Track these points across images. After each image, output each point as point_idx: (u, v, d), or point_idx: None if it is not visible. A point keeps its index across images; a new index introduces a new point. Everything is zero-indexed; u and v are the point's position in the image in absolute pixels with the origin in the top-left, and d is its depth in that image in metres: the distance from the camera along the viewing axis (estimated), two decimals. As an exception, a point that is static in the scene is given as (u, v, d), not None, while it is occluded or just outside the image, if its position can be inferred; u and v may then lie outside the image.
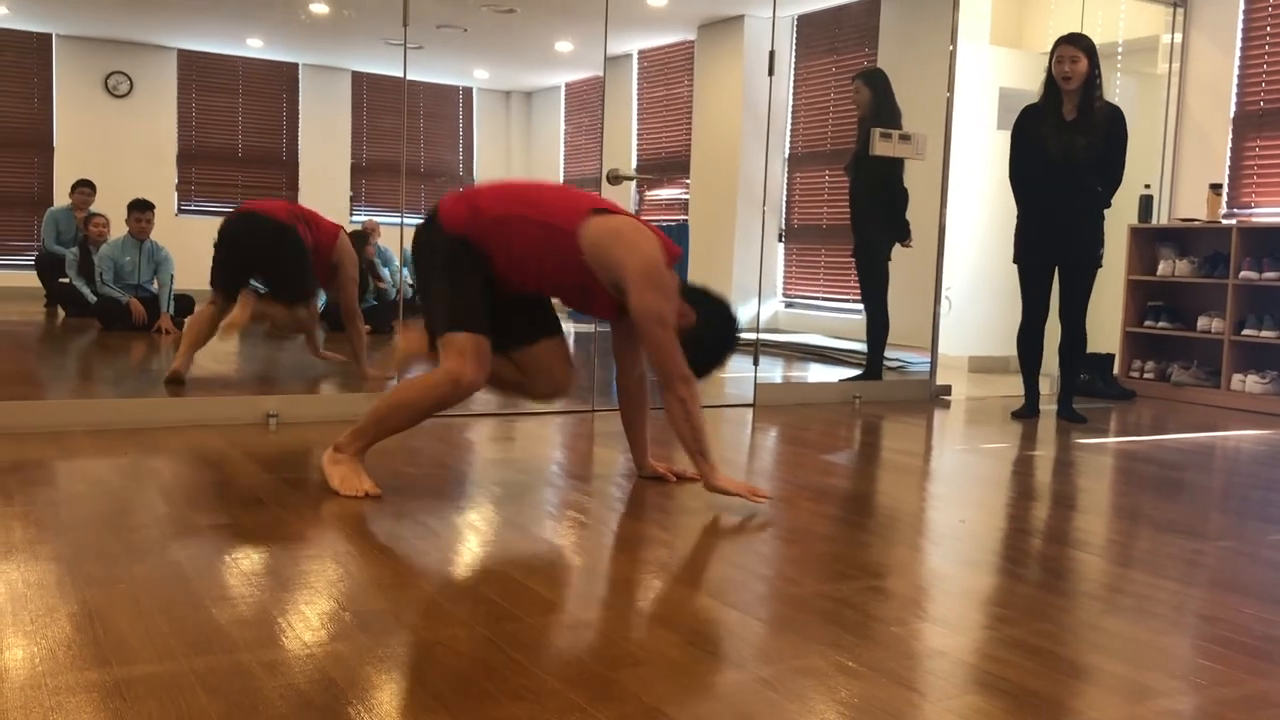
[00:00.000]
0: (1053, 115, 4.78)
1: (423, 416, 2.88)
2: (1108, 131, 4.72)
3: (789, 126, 8.39)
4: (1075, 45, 4.71)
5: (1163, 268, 6.05)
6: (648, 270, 2.82)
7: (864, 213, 5.62)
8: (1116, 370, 6.18)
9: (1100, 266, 4.86)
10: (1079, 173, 4.73)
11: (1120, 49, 6.77)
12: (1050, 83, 4.80)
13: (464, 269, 2.87)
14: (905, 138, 5.43)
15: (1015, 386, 5.64)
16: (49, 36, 9.62)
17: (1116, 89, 6.66)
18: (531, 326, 3.07)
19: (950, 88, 5.52)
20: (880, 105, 5.49)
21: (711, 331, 3.02)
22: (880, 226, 5.56)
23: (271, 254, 4.67)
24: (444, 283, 2.87)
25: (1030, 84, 6.54)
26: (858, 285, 5.68)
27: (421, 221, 3.01)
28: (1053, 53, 4.78)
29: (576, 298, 2.99)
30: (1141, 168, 6.28)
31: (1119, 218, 6.26)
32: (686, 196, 9.27)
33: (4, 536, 2.36)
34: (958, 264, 6.68)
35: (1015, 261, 4.96)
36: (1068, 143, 4.72)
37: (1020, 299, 4.98)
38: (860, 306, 5.73)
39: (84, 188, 8.27)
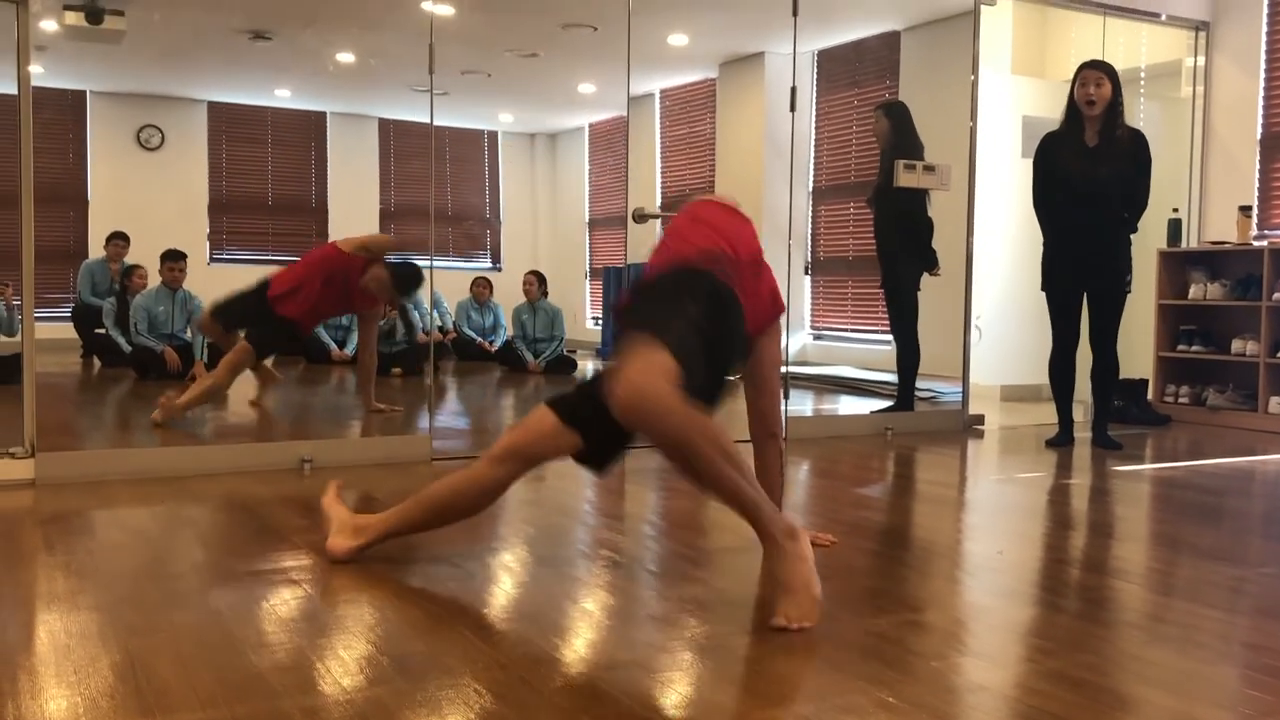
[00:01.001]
0: (1075, 141, 4.77)
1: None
2: (1132, 156, 4.71)
3: (812, 160, 8.42)
4: (1098, 69, 4.71)
5: (1194, 291, 6.00)
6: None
7: (889, 244, 5.62)
8: (1150, 395, 6.12)
9: (1129, 292, 4.83)
10: (1103, 198, 4.71)
11: (1143, 74, 6.76)
12: (1072, 108, 4.79)
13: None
14: (929, 168, 5.43)
15: (1049, 415, 5.59)
16: (83, 93, 9.83)
17: (1140, 114, 6.64)
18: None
19: (973, 117, 5.53)
20: (900, 137, 5.51)
21: None
22: (907, 257, 5.56)
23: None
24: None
25: (1053, 112, 6.53)
26: (886, 316, 5.67)
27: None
28: (1075, 78, 4.78)
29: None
30: (1169, 192, 6.25)
31: (1148, 242, 6.22)
32: (712, 232, 9.29)
33: (46, 586, 2.39)
34: (987, 293, 6.65)
35: (1043, 289, 4.94)
36: (1091, 169, 4.71)
37: (1050, 326, 4.95)
38: (889, 337, 5.72)
39: (118, 240, 8.41)
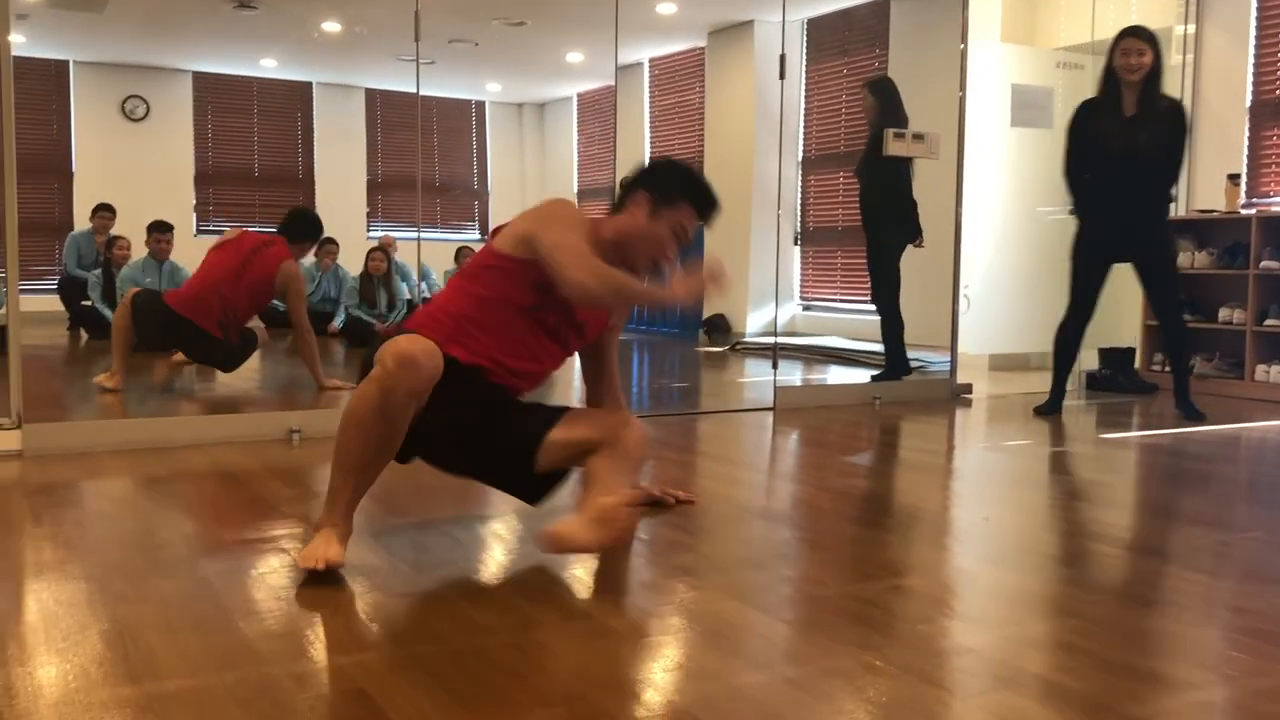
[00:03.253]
0: (1113, 110, 4.70)
1: None
2: (1171, 124, 4.66)
3: (801, 130, 8.39)
4: (1140, 38, 4.63)
5: (1182, 260, 6.01)
6: (541, 217, 2.50)
7: (874, 214, 5.64)
8: (1138, 364, 6.15)
9: (1176, 257, 4.75)
10: (1143, 167, 4.65)
11: (1133, 42, 6.73)
12: (1110, 76, 4.72)
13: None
14: (919, 137, 5.42)
15: (1037, 384, 5.61)
16: (66, 63, 9.73)
17: (1130, 82, 6.63)
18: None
19: (962, 86, 5.51)
20: (887, 113, 5.54)
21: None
22: (890, 228, 5.57)
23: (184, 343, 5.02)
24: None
25: (1043, 80, 6.53)
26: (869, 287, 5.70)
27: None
28: (1115, 46, 4.68)
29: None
30: (1157, 160, 6.24)
31: (1136, 211, 6.23)
32: (701, 203, 9.27)
33: (34, 556, 2.39)
34: (975, 262, 6.65)
35: (1073, 258, 4.89)
36: (1129, 138, 4.64)
37: (1066, 294, 4.89)
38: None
39: (104, 212, 8.34)
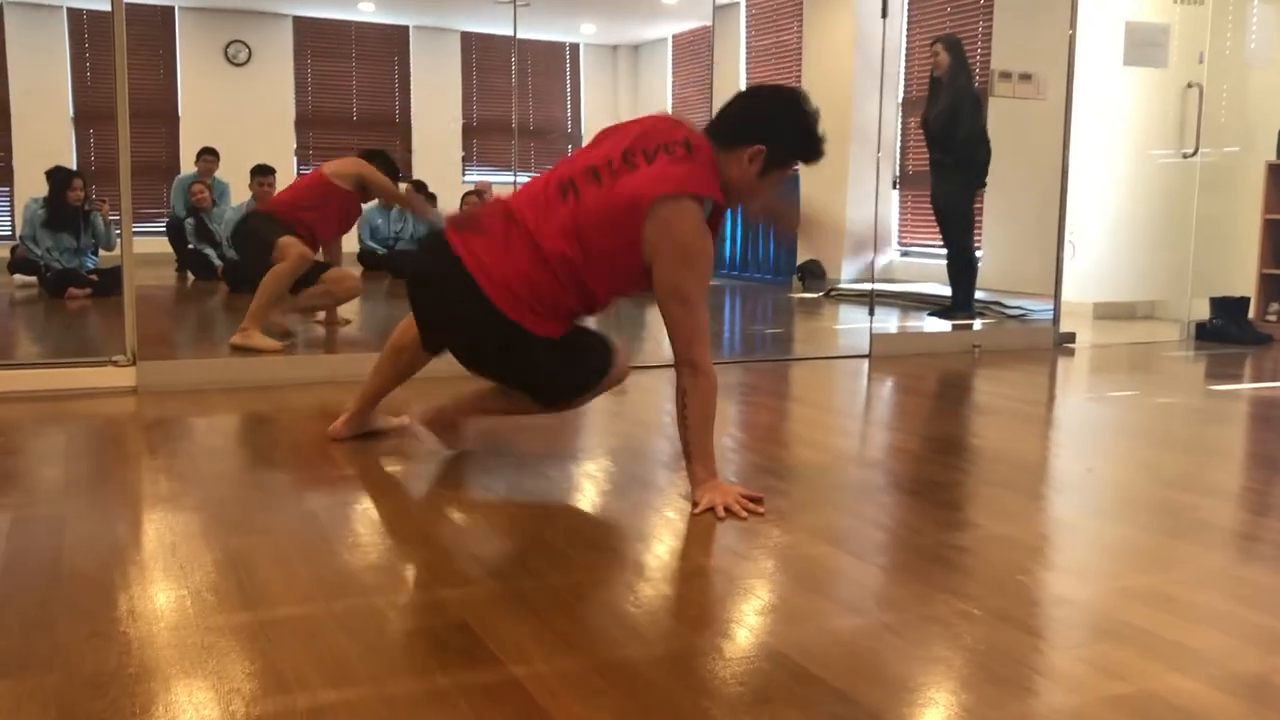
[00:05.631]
0: None
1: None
2: None
3: (903, 69, 8.18)
4: None
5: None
6: (686, 252, 2.46)
7: (949, 158, 5.78)
8: (1252, 314, 5.92)
9: None
10: None
11: (1257, -25, 6.40)
12: None
13: None
14: (1025, 78, 5.26)
15: (1143, 333, 5.45)
16: (171, 9, 9.93)
17: (1254, 18, 6.31)
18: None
19: (1073, 24, 5.30)
20: (960, 70, 5.72)
21: None
22: (967, 171, 5.75)
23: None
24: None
25: (1159, 15, 6.25)
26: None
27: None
28: None
29: None
30: (1279, 101, 5.96)
31: (1257, 154, 5.96)
32: (797, 146, 9.13)
33: (151, 488, 2.49)
34: (1082, 207, 6.44)
35: None
36: None
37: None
38: (978, 253, 5.74)
39: (208, 155, 8.55)
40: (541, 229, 2.38)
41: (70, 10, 9.69)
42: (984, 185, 5.82)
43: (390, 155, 5.24)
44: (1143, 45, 4.80)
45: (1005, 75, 5.22)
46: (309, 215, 4.71)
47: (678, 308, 2.36)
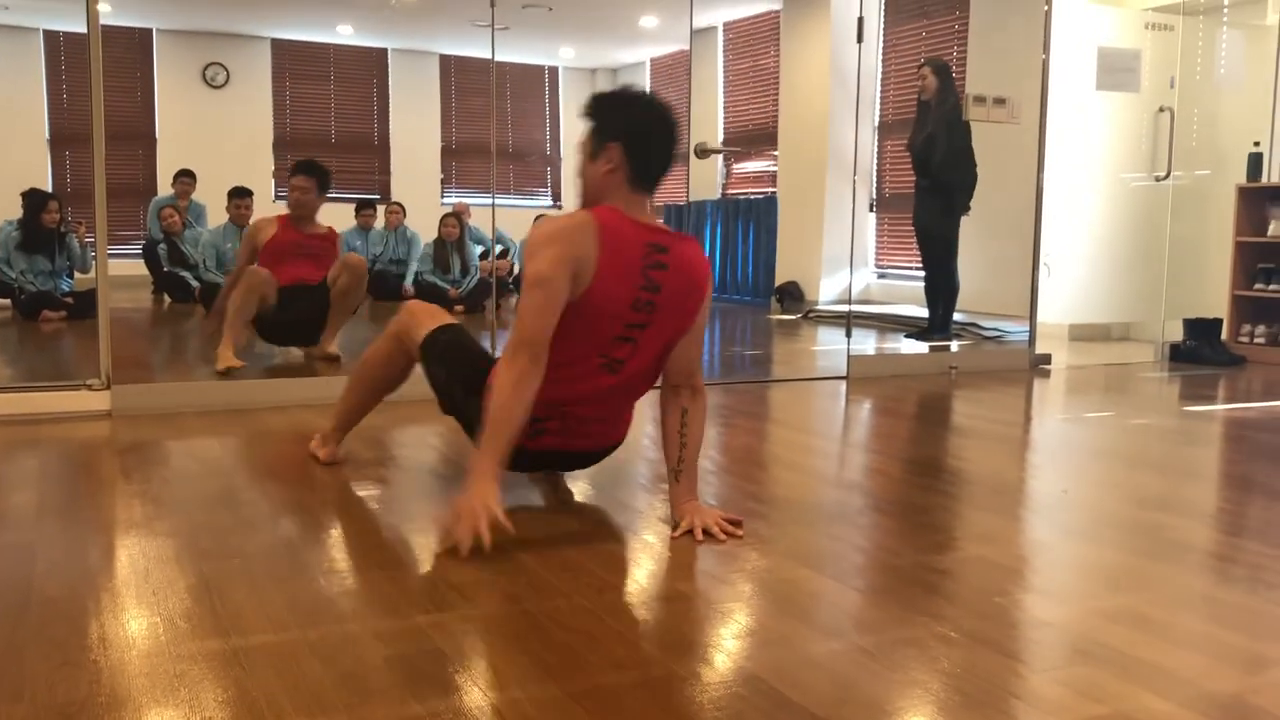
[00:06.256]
0: None
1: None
2: None
3: (879, 94, 8.25)
4: None
5: (1274, 228, 5.82)
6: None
7: (936, 182, 5.85)
8: (1225, 335, 5.97)
9: None
10: None
11: (1227, 2, 6.50)
12: None
13: None
14: (1000, 101, 5.31)
15: (1118, 354, 5.49)
16: (150, 31, 9.92)
17: (1223, 43, 6.40)
18: None
19: (1046, 49, 5.37)
20: (946, 93, 5.80)
21: None
22: (952, 195, 5.82)
23: None
24: None
25: (1130, 41, 6.33)
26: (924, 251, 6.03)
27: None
28: None
29: None
30: (1249, 124, 6.04)
31: (1227, 177, 6.03)
32: (775, 169, 9.19)
33: (125, 513, 2.46)
34: (1057, 229, 6.50)
35: None
36: None
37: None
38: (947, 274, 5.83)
39: (185, 177, 8.51)
40: None
41: (46, 32, 9.65)
42: (968, 210, 5.87)
43: (320, 165, 5.23)
44: (1115, 70, 4.86)
45: (979, 99, 5.27)
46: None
47: (701, 334, 2.51)
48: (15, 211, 7.05)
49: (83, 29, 3.76)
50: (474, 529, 2.12)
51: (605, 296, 2.31)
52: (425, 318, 2.74)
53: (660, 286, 2.36)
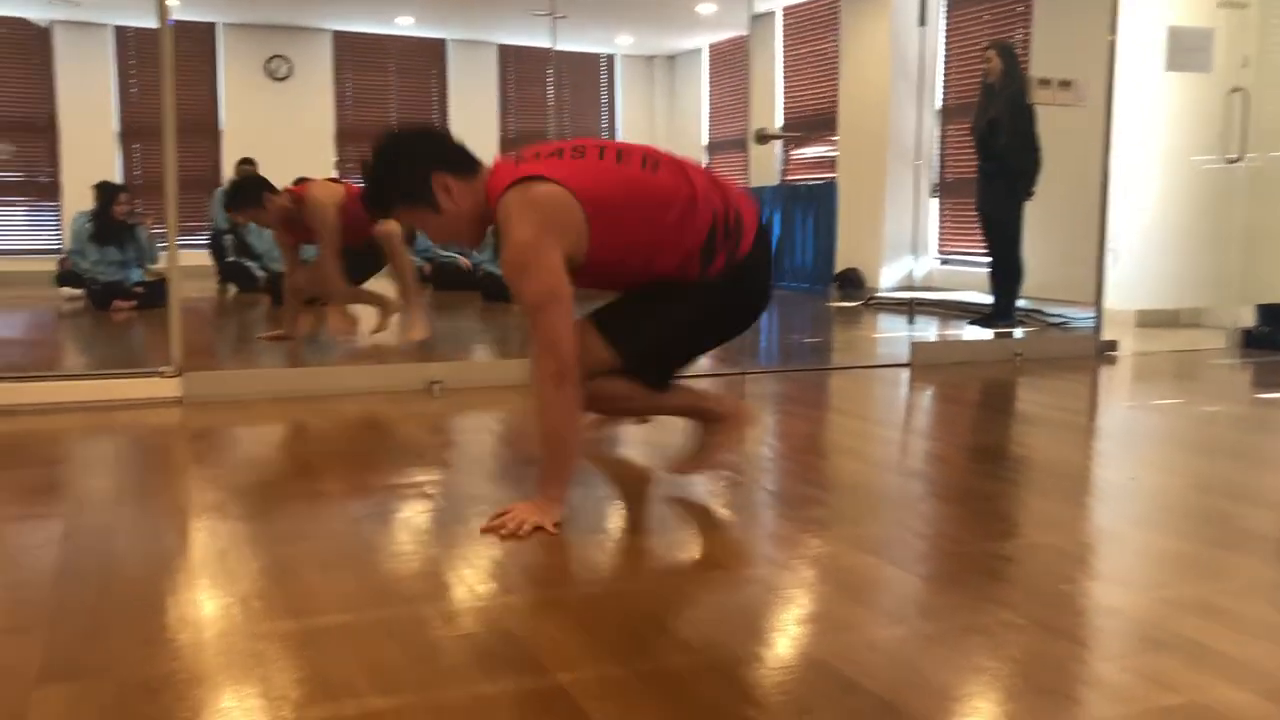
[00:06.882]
0: None
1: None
2: None
3: (940, 78, 8.15)
4: None
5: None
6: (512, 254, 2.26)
7: (999, 166, 5.76)
8: (1299, 321, 5.83)
9: None
10: None
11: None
12: None
13: None
14: (1065, 84, 5.23)
15: (1187, 340, 5.39)
16: (214, 25, 10.08)
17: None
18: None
19: (1113, 29, 5.26)
20: (1012, 77, 5.71)
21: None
22: (1017, 179, 5.74)
23: None
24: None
25: (1202, 21, 6.19)
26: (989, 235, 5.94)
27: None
28: None
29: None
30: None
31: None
32: (834, 154, 9.12)
33: (199, 497, 2.53)
34: (1124, 214, 6.39)
35: None
36: None
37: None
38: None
39: (245, 165, 8.62)
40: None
41: (117, 28, 9.86)
42: (1032, 194, 5.78)
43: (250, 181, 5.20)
44: (1186, 50, 4.75)
45: (1044, 82, 5.19)
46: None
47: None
48: (87, 204, 7.22)
49: (151, 24, 3.83)
50: (519, 528, 2.20)
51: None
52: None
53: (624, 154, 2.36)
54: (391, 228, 4.97)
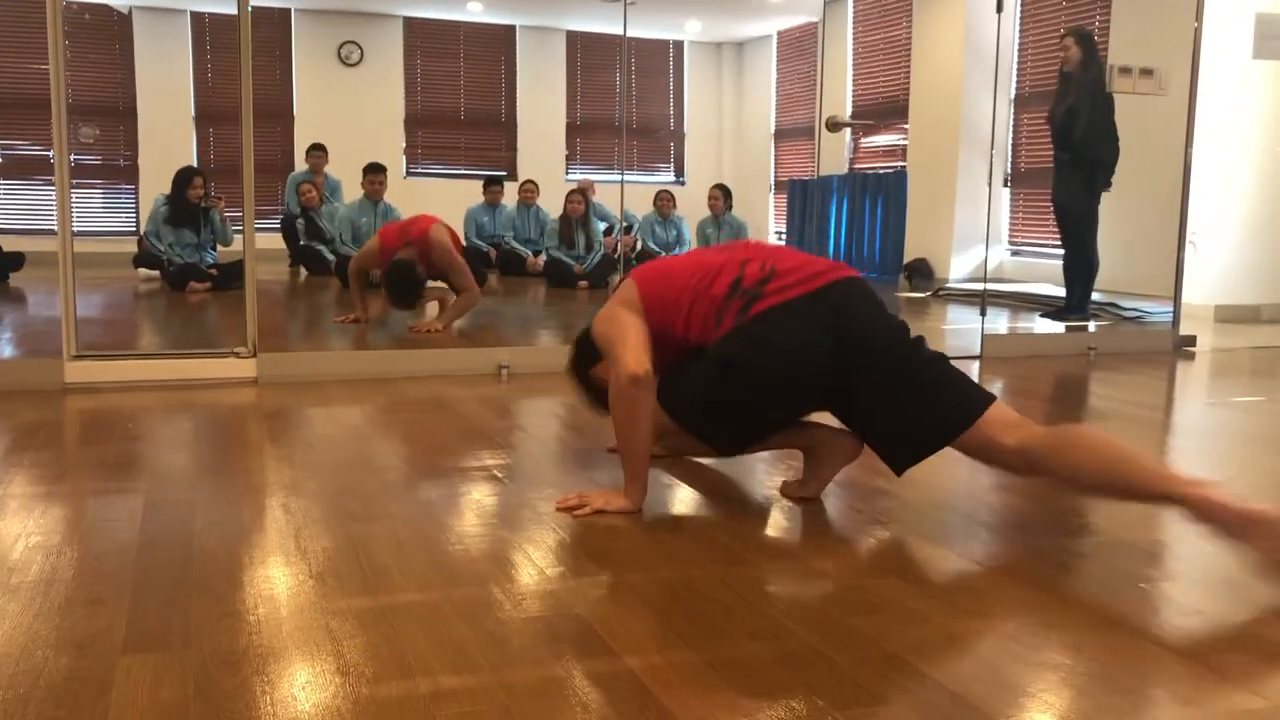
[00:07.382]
0: None
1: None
2: None
3: (1015, 65, 8.00)
4: None
5: None
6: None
7: (1077, 156, 5.64)
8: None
9: None
10: None
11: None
12: None
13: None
14: (1147, 72, 5.10)
15: (1268, 337, 5.25)
16: (288, 11, 10.22)
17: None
18: None
19: (1198, 16, 5.13)
20: (1090, 65, 5.59)
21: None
22: (1094, 170, 5.62)
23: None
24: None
25: (1289, 7, 6.00)
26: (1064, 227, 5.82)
27: None
28: None
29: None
30: None
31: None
32: (905, 143, 9.01)
33: (275, 475, 2.57)
34: (1205, 206, 6.23)
35: None
36: None
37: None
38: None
39: (317, 151, 8.74)
40: None
41: (194, 14, 10.04)
42: (1109, 186, 5.66)
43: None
44: (1274, 38, 4.61)
45: (1125, 70, 5.07)
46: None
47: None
48: (163, 187, 7.37)
49: (227, 10, 3.90)
50: (584, 507, 2.29)
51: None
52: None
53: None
54: (441, 236, 5.06)
